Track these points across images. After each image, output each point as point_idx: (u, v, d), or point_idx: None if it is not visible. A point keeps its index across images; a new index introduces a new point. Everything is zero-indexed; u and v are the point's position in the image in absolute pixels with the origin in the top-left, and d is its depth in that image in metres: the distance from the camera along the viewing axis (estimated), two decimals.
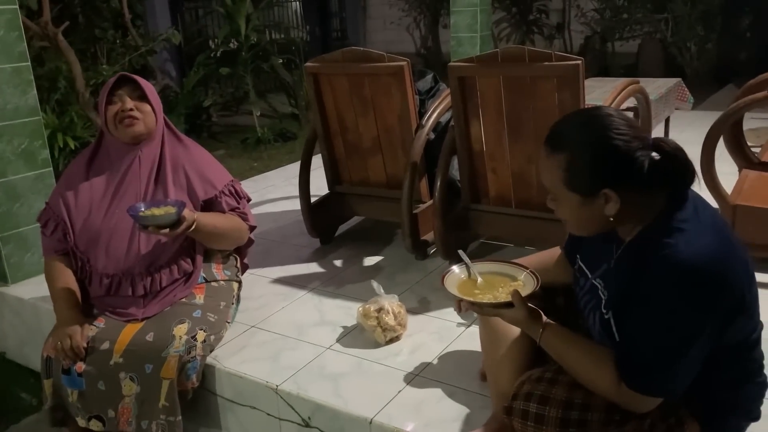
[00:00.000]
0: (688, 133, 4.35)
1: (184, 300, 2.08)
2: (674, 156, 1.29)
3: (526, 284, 1.54)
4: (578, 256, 1.57)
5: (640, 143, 1.29)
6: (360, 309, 2.15)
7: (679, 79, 3.94)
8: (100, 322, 2.02)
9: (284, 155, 6.19)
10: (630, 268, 1.34)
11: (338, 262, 2.83)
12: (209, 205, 2.14)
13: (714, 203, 2.51)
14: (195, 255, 2.16)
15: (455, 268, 1.61)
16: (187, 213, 1.94)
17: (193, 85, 6.60)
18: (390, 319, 2.09)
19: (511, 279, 1.58)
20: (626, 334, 1.34)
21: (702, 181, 2.48)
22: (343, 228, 3.16)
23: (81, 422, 1.99)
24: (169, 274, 2.09)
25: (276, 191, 3.98)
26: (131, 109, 2.03)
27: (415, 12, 11.23)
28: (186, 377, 1.95)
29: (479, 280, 1.58)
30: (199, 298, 2.10)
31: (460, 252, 1.69)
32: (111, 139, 2.10)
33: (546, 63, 2.21)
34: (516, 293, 1.43)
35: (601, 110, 1.35)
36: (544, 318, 1.46)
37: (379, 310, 2.11)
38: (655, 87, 3.60)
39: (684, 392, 1.33)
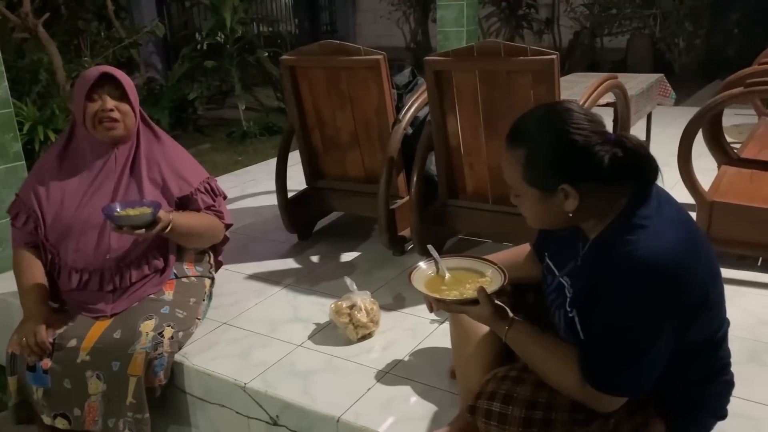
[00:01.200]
0: (672, 129, 4.34)
1: (152, 296, 2.05)
2: (636, 152, 1.27)
3: (493, 280, 1.52)
4: (546, 253, 1.55)
5: (600, 138, 1.27)
6: (332, 306, 2.13)
7: (662, 74, 3.92)
8: (68, 320, 1.98)
9: (270, 149, 6.15)
10: (593, 267, 1.32)
11: (315, 258, 2.80)
12: (184, 203, 2.11)
13: (691, 199, 2.50)
14: (167, 252, 2.13)
15: (422, 264, 1.59)
16: (163, 214, 1.91)
17: (179, 78, 6.54)
18: (362, 316, 2.07)
19: (479, 275, 1.56)
20: (589, 333, 1.33)
21: (679, 177, 2.48)
22: (321, 223, 3.13)
23: (46, 420, 1.96)
24: (140, 270, 2.06)
25: (257, 186, 3.94)
26: (111, 110, 1.98)
27: (405, 6, 11.17)
28: (153, 374, 1.92)
29: (447, 276, 1.56)
30: (168, 294, 2.07)
31: (429, 247, 1.66)
32: (85, 133, 2.06)
33: (521, 57, 2.19)
34: (481, 290, 1.41)
35: (561, 105, 1.33)
36: (510, 315, 1.44)
37: (352, 306, 2.08)
38: (637, 82, 3.59)
39: (649, 391, 1.32)
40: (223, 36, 6.71)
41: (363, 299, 2.11)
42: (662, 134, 4.28)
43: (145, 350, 1.89)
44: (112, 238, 2.02)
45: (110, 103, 1.99)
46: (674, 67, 8.51)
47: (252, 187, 3.94)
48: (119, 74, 2.02)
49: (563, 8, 9.84)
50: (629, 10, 8.75)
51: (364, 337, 2.10)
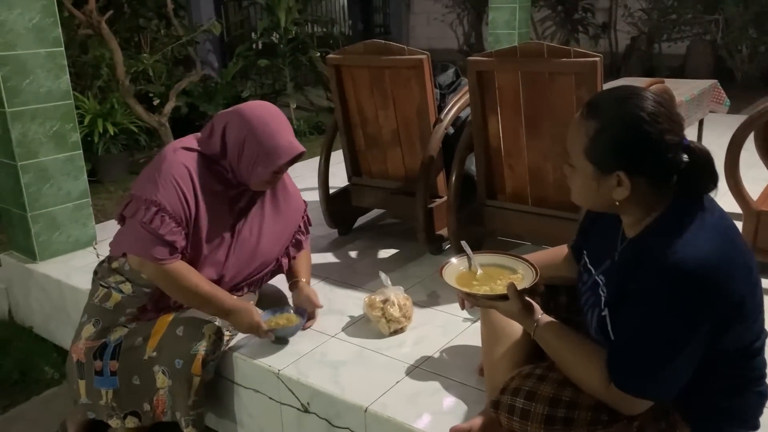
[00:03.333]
0: (726, 138, 4.20)
1: None
2: (703, 164, 1.26)
3: (524, 277, 1.53)
4: (585, 252, 1.55)
5: (673, 140, 1.25)
6: (366, 299, 2.17)
7: (715, 80, 3.82)
8: (131, 322, 2.04)
9: (317, 148, 6.16)
10: (629, 267, 1.31)
11: (353, 253, 2.84)
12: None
13: (738, 208, 2.44)
14: (262, 285, 2.27)
15: (454, 259, 1.61)
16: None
17: (233, 76, 6.71)
18: (395, 311, 2.10)
19: (511, 272, 1.57)
20: (619, 333, 1.32)
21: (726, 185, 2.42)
22: (361, 220, 3.17)
23: (115, 423, 2.01)
24: (243, 291, 2.17)
25: (302, 182, 3.99)
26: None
27: (459, 8, 11.17)
28: (207, 373, 1.98)
29: (479, 271, 1.58)
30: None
31: (463, 243, 1.68)
32: (233, 175, 2.02)
33: (564, 59, 2.18)
34: (511, 285, 1.43)
35: (650, 94, 1.30)
36: (539, 312, 1.45)
37: (385, 301, 2.11)
38: (688, 88, 3.50)
39: (677, 396, 1.31)
40: (277, 36, 6.86)
41: (396, 294, 2.14)
42: (715, 143, 4.14)
43: (206, 352, 1.96)
44: (231, 277, 2.11)
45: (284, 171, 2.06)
46: (736, 75, 8.24)
47: (298, 183, 4.00)
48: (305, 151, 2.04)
49: (621, 13, 9.66)
50: (690, 16, 8.51)
51: (396, 332, 2.13)
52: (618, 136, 1.27)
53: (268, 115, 1.99)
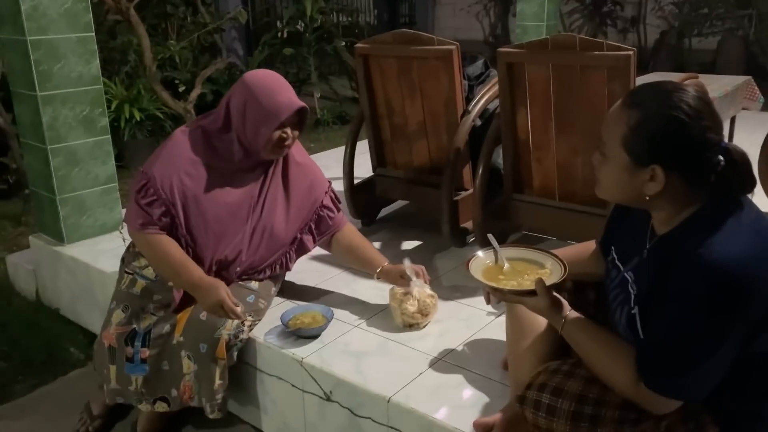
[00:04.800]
0: (759, 134, 4.12)
1: (241, 282, 2.14)
2: (740, 165, 1.24)
3: (553, 273, 1.51)
4: (613, 248, 1.52)
5: (714, 138, 1.23)
6: (392, 289, 2.16)
7: (749, 77, 3.73)
8: (159, 311, 2.06)
9: (341, 138, 6.24)
10: (661, 264, 1.29)
11: (377, 244, 2.84)
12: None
13: None
14: (287, 264, 2.25)
15: (481, 252, 1.59)
16: None
17: (258, 64, 6.72)
18: (411, 306, 2.08)
19: (538, 266, 1.55)
20: (649, 332, 1.30)
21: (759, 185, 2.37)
22: (385, 211, 3.17)
23: (145, 407, 2.04)
24: (256, 278, 2.19)
25: (326, 172, 3.99)
26: (290, 137, 2.05)
27: None
28: (230, 357, 2.00)
29: (506, 266, 1.56)
30: (254, 283, 2.16)
31: (490, 236, 1.67)
32: (241, 146, 2.03)
33: (597, 52, 2.15)
34: (540, 281, 1.41)
35: (690, 89, 1.28)
36: (568, 308, 1.43)
37: (405, 294, 2.10)
38: (721, 84, 3.43)
39: (708, 397, 1.29)
40: (302, 24, 6.85)
41: (420, 291, 2.11)
42: (747, 140, 4.07)
43: (230, 336, 1.98)
44: (248, 256, 2.12)
45: (291, 131, 2.04)
46: None
47: (324, 173, 4.00)
48: (307, 108, 2.06)
49: (650, 6, 9.49)
50: (722, 10, 8.34)
51: (411, 327, 2.11)
52: (660, 129, 1.24)
53: (267, 78, 2.05)
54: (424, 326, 2.12)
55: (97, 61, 2.84)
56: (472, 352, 1.98)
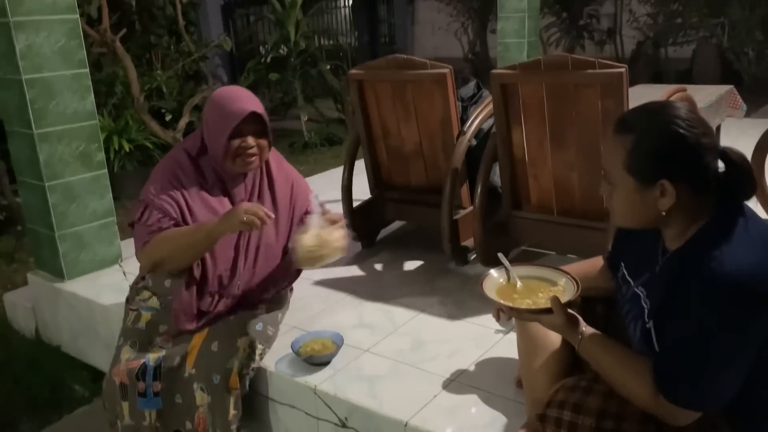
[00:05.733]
0: (743, 141, 4.21)
1: (248, 310, 2.15)
2: (739, 167, 1.28)
3: (566, 290, 1.53)
4: (622, 263, 1.56)
5: (710, 143, 1.27)
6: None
7: (732, 86, 3.83)
8: (167, 342, 2.05)
9: (330, 159, 6.28)
10: (674, 278, 1.32)
11: (378, 266, 2.86)
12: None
13: (764, 215, 2.45)
14: (286, 283, 2.26)
15: (494, 272, 1.61)
16: None
17: None
18: (308, 240, 1.94)
19: (551, 284, 1.58)
20: (665, 345, 1.32)
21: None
22: (384, 232, 3.19)
23: None
24: (257, 298, 2.18)
25: (321, 195, 4.02)
26: (252, 146, 2.02)
27: (463, 17, 11.21)
28: (242, 387, 2.00)
29: (519, 284, 1.58)
30: (261, 309, 2.17)
31: (500, 255, 1.69)
32: (213, 162, 2.08)
33: (589, 71, 2.20)
34: (555, 299, 1.43)
35: (677, 103, 1.33)
36: (583, 325, 1.45)
37: (304, 231, 1.97)
38: (706, 94, 3.52)
39: (726, 407, 1.31)
40: (286, 49, 6.91)
41: (322, 225, 1.98)
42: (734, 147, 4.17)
43: (241, 366, 1.98)
44: (246, 272, 2.12)
45: (252, 141, 2.01)
46: (743, 78, 8.24)
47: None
48: (262, 111, 2.03)
49: (626, 18, 9.68)
50: (695, 20, 8.53)
51: (312, 262, 1.96)
52: (657, 143, 1.29)
53: (226, 90, 2.10)
54: (326, 263, 1.98)
55: (92, 96, 2.85)
56: (484, 372, 2.00)
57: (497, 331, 2.22)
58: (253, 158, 2.03)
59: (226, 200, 2.09)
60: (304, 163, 6.17)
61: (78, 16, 2.76)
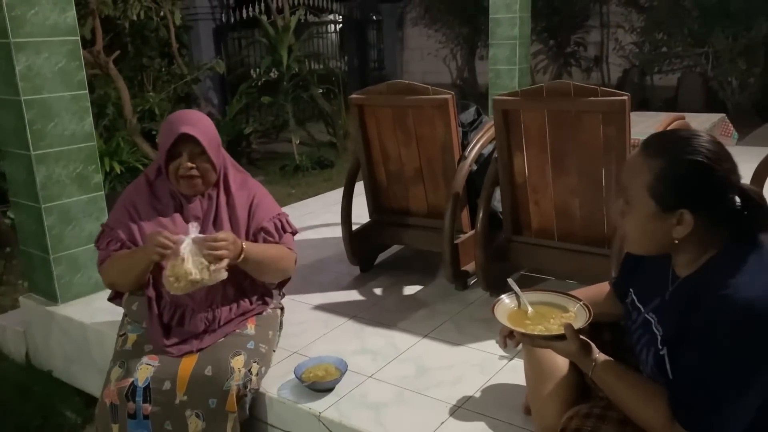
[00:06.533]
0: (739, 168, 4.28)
1: (237, 331, 2.11)
2: (757, 205, 1.30)
3: (578, 316, 1.53)
4: (631, 290, 1.56)
5: (736, 179, 1.30)
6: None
7: (723, 114, 3.90)
8: (153, 360, 2.01)
9: (321, 183, 6.28)
10: (686, 305, 1.32)
11: (378, 291, 2.84)
12: (256, 237, 2.16)
13: None
14: (256, 292, 2.21)
15: (505, 297, 1.61)
16: (235, 237, 1.99)
17: (236, 112, 6.76)
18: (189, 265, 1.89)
19: (561, 310, 1.57)
20: (680, 373, 1.32)
21: None
22: (382, 256, 3.18)
23: None
24: (228, 312, 2.12)
25: (315, 218, 4.03)
26: (192, 167, 2.03)
27: (452, 44, 11.36)
28: (241, 409, 1.96)
29: (530, 310, 1.58)
30: (251, 328, 2.13)
31: (510, 281, 1.68)
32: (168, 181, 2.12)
33: (592, 98, 2.23)
34: (569, 326, 1.43)
35: (705, 135, 1.35)
36: (596, 351, 1.45)
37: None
38: (699, 122, 3.58)
39: None
40: (277, 73, 6.94)
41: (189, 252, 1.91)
42: None
43: (239, 386, 1.94)
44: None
45: (188, 163, 2.02)
46: (728, 106, 8.41)
47: (309, 219, 4.02)
48: (198, 133, 2.01)
49: (612, 46, 9.87)
50: (680, 49, 8.71)
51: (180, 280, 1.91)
52: (685, 174, 1.29)
53: (176, 114, 2.15)
54: (188, 290, 1.93)
55: (90, 118, 2.83)
56: (490, 398, 1.98)
57: (501, 357, 2.21)
58: (195, 181, 2.06)
59: (178, 218, 2.11)
60: (295, 186, 6.16)
61: (78, 37, 2.75)
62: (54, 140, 2.71)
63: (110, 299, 2.32)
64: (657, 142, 1.36)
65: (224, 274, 1.94)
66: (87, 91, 2.81)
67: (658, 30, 8.83)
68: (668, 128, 2.48)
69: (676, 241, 1.32)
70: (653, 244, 1.38)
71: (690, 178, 1.29)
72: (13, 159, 2.76)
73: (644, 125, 3.37)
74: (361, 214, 3.09)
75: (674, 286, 1.41)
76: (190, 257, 1.91)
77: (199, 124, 2.07)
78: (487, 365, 2.17)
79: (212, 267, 1.91)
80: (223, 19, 8.37)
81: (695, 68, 8.82)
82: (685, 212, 1.29)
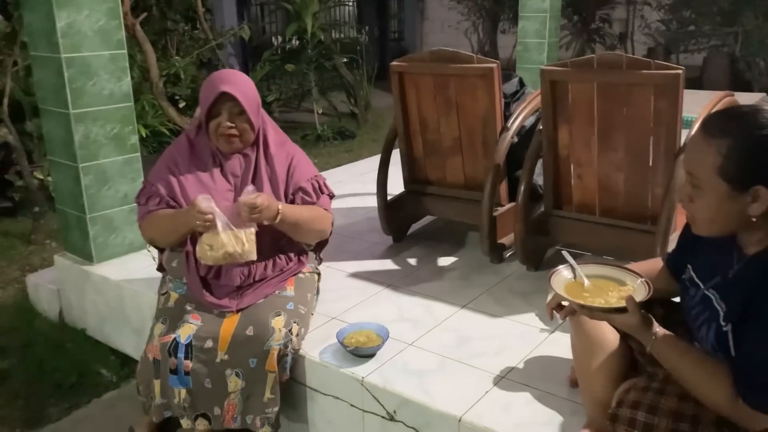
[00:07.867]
0: None
1: (276, 292, 2.12)
2: None
3: (637, 291, 1.51)
4: (689, 266, 1.54)
5: None
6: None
7: (764, 94, 3.83)
8: (196, 319, 2.03)
9: (342, 153, 6.26)
10: (756, 283, 1.30)
11: (412, 261, 2.84)
12: (294, 198, 2.18)
13: None
14: (293, 251, 2.21)
15: (562, 268, 1.60)
16: (271, 201, 1.99)
17: (259, 79, 6.71)
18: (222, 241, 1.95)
19: (618, 283, 1.56)
20: (746, 350, 1.31)
21: None
22: (414, 227, 3.17)
23: (186, 423, 2.01)
24: (264, 269, 2.12)
25: (344, 188, 4.01)
26: (231, 127, 2.05)
27: (474, 16, 11.18)
28: (282, 370, 1.98)
29: (586, 282, 1.57)
30: (290, 290, 2.14)
31: (565, 253, 1.67)
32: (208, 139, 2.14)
33: (645, 71, 2.18)
34: (631, 299, 1.42)
35: (766, 108, 1.31)
36: (657, 325, 1.44)
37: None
38: (743, 101, 3.51)
39: None
40: (301, 40, 6.87)
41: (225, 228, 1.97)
42: None
43: (279, 346, 1.96)
44: None
45: (228, 121, 2.05)
46: (753, 87, 8.27)
47: (338, 189, 3.97)
48: (238, 93, 2.03)
49: (638, 24, 9.69)
50: (708, 27, 8.54)
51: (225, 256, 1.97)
52: (756, 149, 1.26)
53: (217, 72, 2.16)
54: (224, 262, 2.00)
55: (128, 78, 2.81)
56: (534, 370, 1.98)
57: (542, 330, 2.20)
58: (233, 139, 2.08)
59: (217, 174, 2.13)
60: (317, 156, 6.13)
61: None
62: (92, 99, 2.70)
63: (158, 269, 2.32)
64: (719, 121, 1.32)
65: (254, 256, 2.01)
66: (126, 51, 2.79)
67: (687, 8, 8.66)
68: (720, 107, 2.44)
69: (754, 219, 1.30)
70: (727, 224, 1.35)
71: (762, 153, 1.26)
72: (51, 117, 2.75)
73: (691, 102, 3.30)
74: (393, 184, 3.07)
75: (740, 264, 1.39)
76: (228, 230, 1.96)
77: (239, 84, 2.08)
78: (528, 337, 2.16)
79: (246, 246, 1.98)
80: None
81: (722, 48, 8.66)
82: (760, 188, 1.26)
